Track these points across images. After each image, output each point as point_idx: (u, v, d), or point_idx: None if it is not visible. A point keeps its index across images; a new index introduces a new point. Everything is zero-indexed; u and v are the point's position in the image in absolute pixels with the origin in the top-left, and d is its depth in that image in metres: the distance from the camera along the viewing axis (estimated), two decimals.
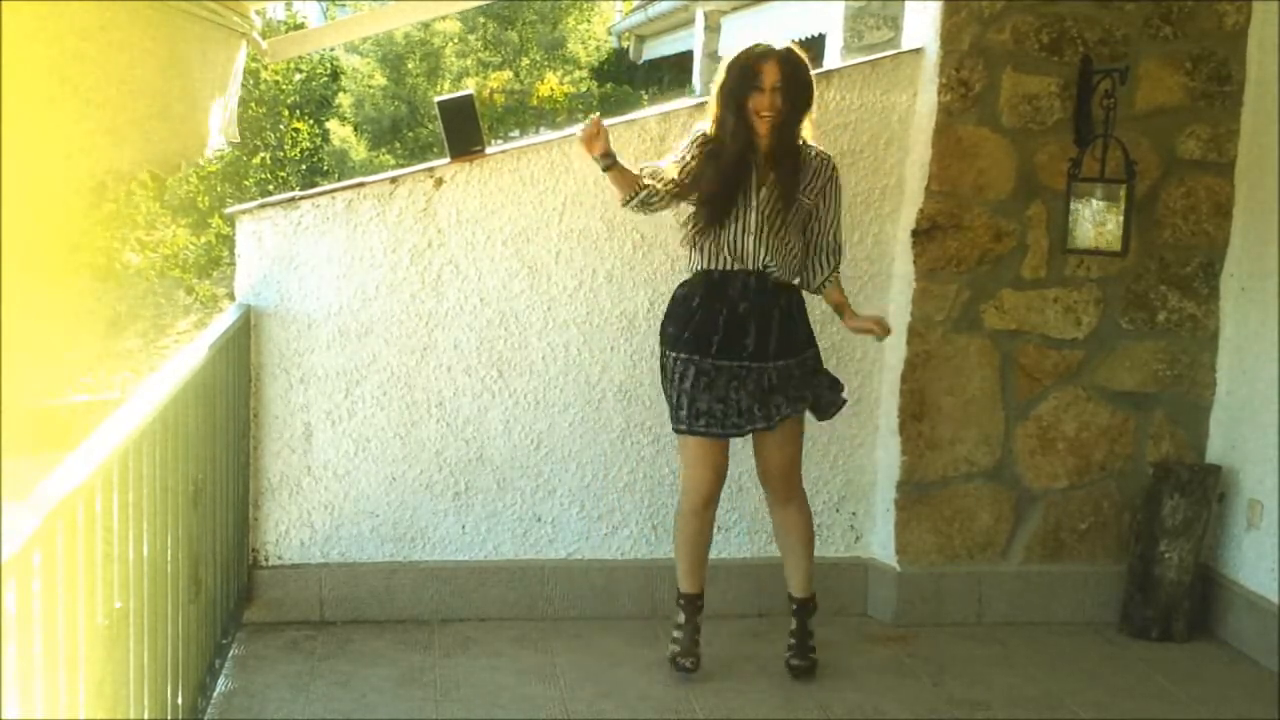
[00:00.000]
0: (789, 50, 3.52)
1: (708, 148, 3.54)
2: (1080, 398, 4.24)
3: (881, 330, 3.67)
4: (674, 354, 3.61)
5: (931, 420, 4.17)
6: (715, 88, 3.55)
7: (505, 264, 4.04)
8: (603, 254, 4.07)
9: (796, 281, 3.67)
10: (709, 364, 3.56)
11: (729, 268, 3.56)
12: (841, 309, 3.74)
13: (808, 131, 3.61)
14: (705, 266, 3.59)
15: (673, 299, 3.68)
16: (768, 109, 3.47)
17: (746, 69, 3.48)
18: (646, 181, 3.51)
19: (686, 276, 3.67)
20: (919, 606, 4.24)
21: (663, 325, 3.70)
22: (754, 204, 3.53)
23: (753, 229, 3.53)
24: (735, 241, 3.54)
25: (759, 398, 3.57)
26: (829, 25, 7.22)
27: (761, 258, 3.54)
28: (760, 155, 3.54)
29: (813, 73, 3.59)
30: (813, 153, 3.63)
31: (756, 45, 3.53)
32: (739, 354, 3.56)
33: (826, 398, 3.69)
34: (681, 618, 3.81)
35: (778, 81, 3.46)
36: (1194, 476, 4.19)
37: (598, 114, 3.59)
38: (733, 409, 3.57)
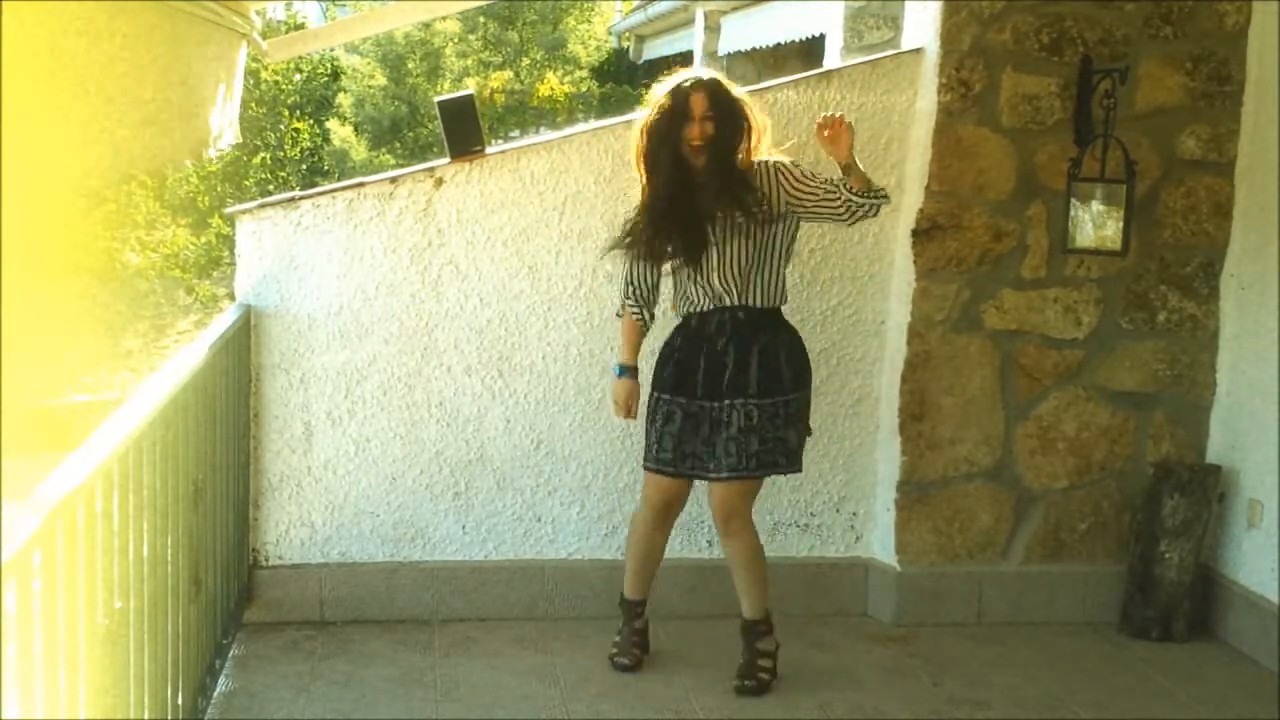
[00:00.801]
0: (713, 79, 3.51)
1: (651, 200, 3.54)
2: (1080, 398, 4.24)
3: (837, 130, 3.41)
4: (657, 394, 3.64)
5: (931, 420, 4.17)
6: (640, 127, 3.54)
7: (505, 264, 4.04)
8: (603, 254, 4.07)
9: (783, 304, 3.63)
10: (695, 406, 3.57)
11: (707, 307, 3.57)
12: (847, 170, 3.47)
13: (767, 153, 3.59)
14: (686, 310, 3.63)
15: (665, 342, 3.71)
16: (698, 138, 3.46)
17: (675, 104, 3.46)
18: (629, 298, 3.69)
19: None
20: (919, 606, 4.24)
21: (656, 367, 3.71)
22: (712, 240, 3.52)
23: (715, 264, 3.53)
24: (706, 280, 3.55)
25: (736, 438, 3.52)
26: (829, 25, 7.22)
27: (733, 291, 3.53)
28: (707, 192, 3.50)
29: (741, 96, 3.54)
30: (759, 169, 3.56)
31: (683, 81, 3.51)
32: (717, 393, 3.55)
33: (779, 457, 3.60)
34: (621, 621, 3.85)
35: (707, 110, 3.45)
36: (1194, 476, 4.19)
37: (620, 407, 3.73)
38: (706, 452, 3.57)
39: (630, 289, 3.67)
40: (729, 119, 3.49)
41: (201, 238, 8.51)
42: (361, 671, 3.75)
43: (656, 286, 3.69)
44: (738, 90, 3.57)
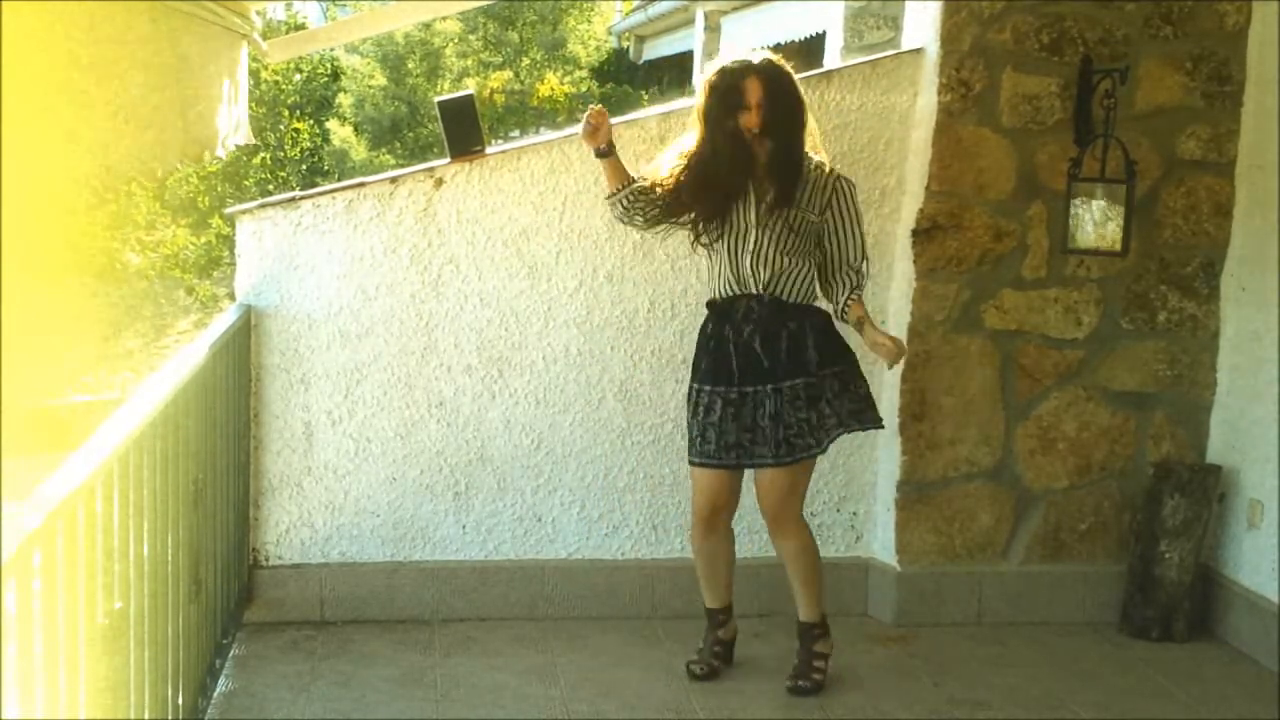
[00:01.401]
0: (768, 63, 3.46)
1: (694, 163, 3.50)
2: (1080, 398, 4.24)
3: (894, 351, 3.53)
4: (695, 385, 3.60)
5: (932, 420, 4.17)
6: (698, 108, 3.50)
7: (505, 264, 4.04)
8: (603, 254, 4.07)
9: (814, 301, 3.59)
10: (734, 393, 3.52)
11: (733, 292, 3.53)
12: (861, 324, 3.58)
13: (813, 146, 3.56)
14: (713, 294, 3.59)
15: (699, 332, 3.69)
16: (756, 125, 3.42)
17: (729, 89, 3.43)
18: (637, 182, 3.53)
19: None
20: (919, 606, 4.24)
21: (694, 358, 3.68)
22: (751, 222, 3.48)
23: (751, 248, 3.49)
24: (737, 264, 3.51)
25: (769, 425, 3.50)
26: (829, 25, 7.22)
27: (763, 279, 3.49)
28: (757, 173, 3.47)
29: (798, 80, 3.52)
30: (816, 167, 3.53)
31: (733, 62, 3.47)
32: (756, 378, 3.50)
33: (842, 421, 3.55)
34: (706, 627, 3.82)
35: (762, 97, 3.41)
36: (1194, 476, 4.19)
37: (599, 106, 3.60)
38: (747, 438, 3.52)
39: (637, 190, 3.54)
40: (786, 107, 3.45)
41: (201, 238, 8.51)
42: (361, 671, 3.75)
43: (649, 204, 3.56)
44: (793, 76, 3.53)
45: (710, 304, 3.60)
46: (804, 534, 3.67)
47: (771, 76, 3.44)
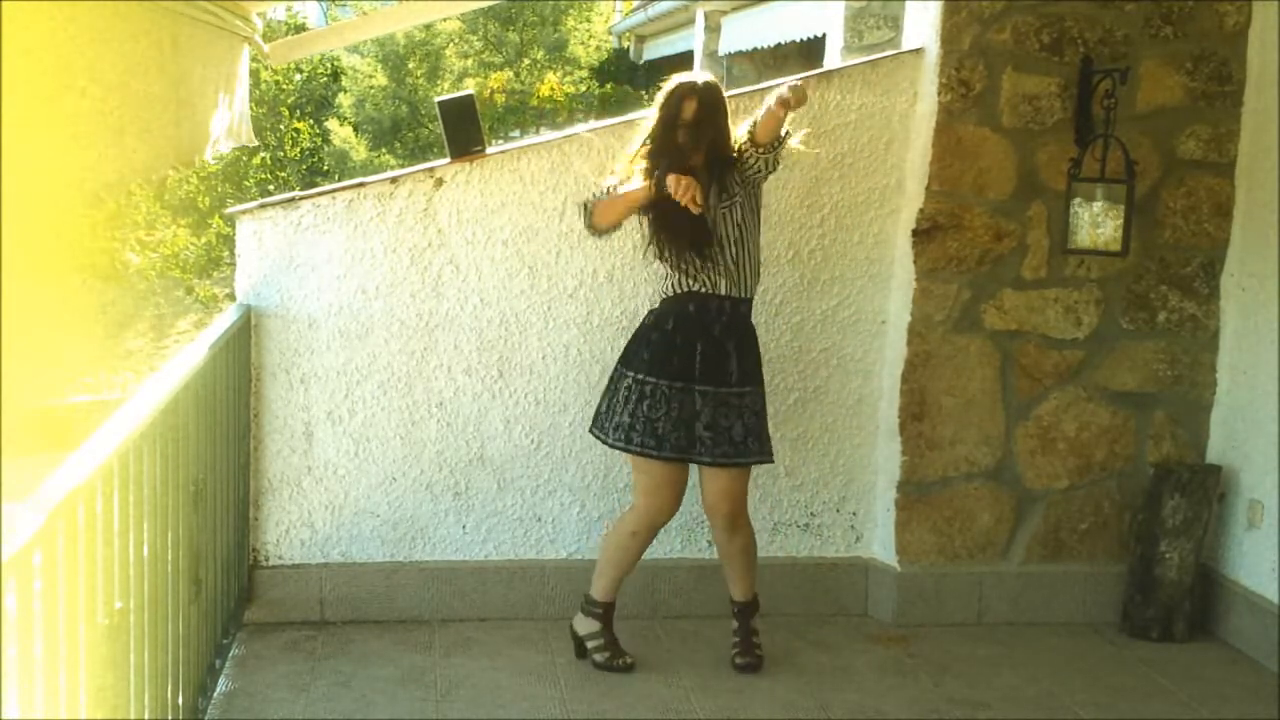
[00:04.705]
0: (708, 84, 3.54)
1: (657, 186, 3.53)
2: (1080, 398, 4.24)
3: (800, 91, 3.35)
4: (639, 375, 3.61)
5: (932, 420, 4.17)
6: (650, 127, 3.58)
7: (506, 264, 4.04)
8: (603, 254, 4.07)
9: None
10: (694, 391, 3.58)
11: (710, 291, 3.58)
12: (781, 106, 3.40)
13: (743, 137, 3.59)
14: (686, 289, 3.59)
15: (642, 325, 3.70)
16: (688, 141, 3.50)
17: (671, 107, 3.52)
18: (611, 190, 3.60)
19: (656, 304, 3.69)
20: (919, 606, 4.24)
21: (632, 349, 3.69)
22: (723, 232, 3.56)
23: (731, 255, 3.56)
24: (718, 268, 3.57)
25: (745, 423, 3.61)
26: (829, 25, 7.22)
27: (737, 284, 3.58)
28: (709, 188, 3.54)
29: (726, 99, 3.59)
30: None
31: (681, 83, 3.55)
32: (725, 379, 3.58)
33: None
34: (597, 626, 3.82)
35: (693, 117, 3.49)
36: (1194, 476, 4.19)
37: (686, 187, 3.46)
38: (708, 436, 3.58)
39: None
40: (714, 128, 3.54)
41: (202, 238, 8.51)
42: (361, 671, 3.75)
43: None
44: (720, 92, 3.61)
45: (680, 299, 3.60)
46: (751, 526, 3.81)
47: (707, 96, 3.52)
